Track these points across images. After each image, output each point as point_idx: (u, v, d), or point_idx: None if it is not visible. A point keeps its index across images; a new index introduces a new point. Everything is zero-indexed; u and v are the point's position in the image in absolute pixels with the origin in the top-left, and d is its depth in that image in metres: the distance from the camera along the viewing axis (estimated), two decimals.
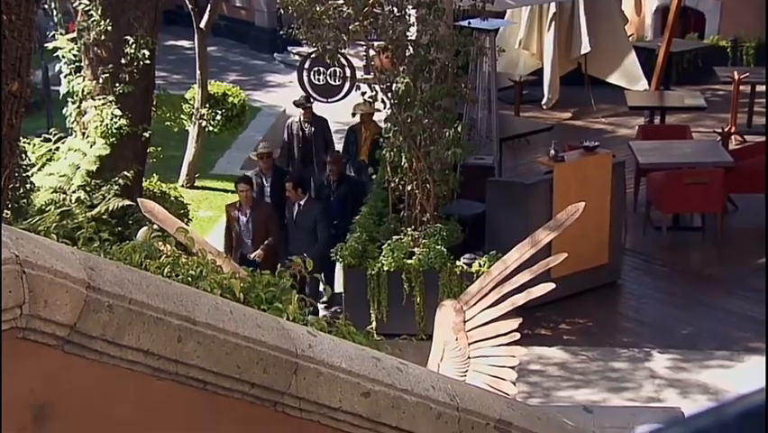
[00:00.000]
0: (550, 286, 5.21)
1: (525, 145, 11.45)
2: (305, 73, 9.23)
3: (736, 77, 11.32)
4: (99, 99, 8.33)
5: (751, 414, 0.35)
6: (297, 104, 9.91)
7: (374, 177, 8.95)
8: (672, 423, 0.38)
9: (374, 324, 7.60)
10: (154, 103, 9.00)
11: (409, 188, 8.15)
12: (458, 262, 7.82)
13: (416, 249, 7.91)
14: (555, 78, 12.20)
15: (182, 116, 10.65)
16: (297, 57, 13.80)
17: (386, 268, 7.83)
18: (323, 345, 2.51)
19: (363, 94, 8.09)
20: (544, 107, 12.51)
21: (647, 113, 11.83)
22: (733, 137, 10.96)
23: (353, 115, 8.31)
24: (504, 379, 4.92)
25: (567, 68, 12.52)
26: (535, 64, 12.58)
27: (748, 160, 9.66)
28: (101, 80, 8.34)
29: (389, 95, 7.89)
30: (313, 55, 8.98)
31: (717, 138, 10.62)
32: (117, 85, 8.32)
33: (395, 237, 8.00)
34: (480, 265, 7.65)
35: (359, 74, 9.11)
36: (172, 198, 9.02)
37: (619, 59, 12.22)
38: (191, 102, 10.72)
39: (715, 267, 9.03)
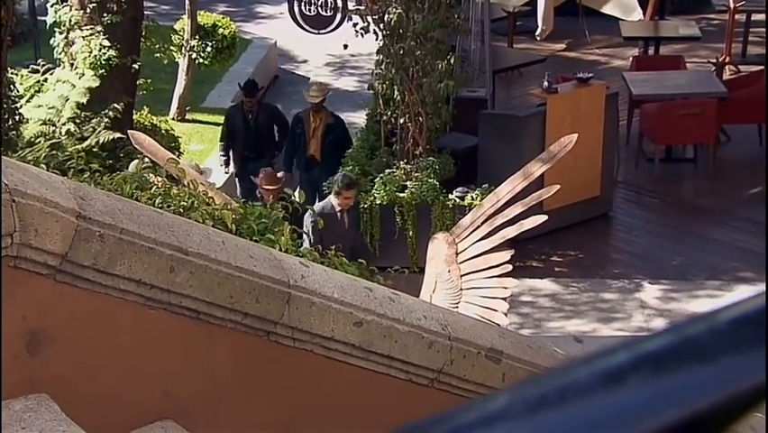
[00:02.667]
0: (542, 218, 5.22)
1: (519, 77, 11.36)
2: (295, 4, 9.08)
3: (732, 5, 11.19)
4: (87, 30, 8.20)
5: (741, 320, 0.34)
6: (243, 88, 8.78)
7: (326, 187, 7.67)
8: (660, 332, 0.38)
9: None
10: (143, 34, 8.86)
11: (402, 121, 8.11)
12: (450, 196, 7.83)
13: (408, 182, 7.90)
14: (549, 9, 12.02)
15: (172, 48, 10.51)
16: None
17: (378, 201, 7.84)
18: (315, 276, 2.53)
19: (355, 25, 7.98)
20: (538, 39, 12.36)
21: (641, 43, 11.72)
22: (727, 67, 10.88)
23: (345, 46, 8.19)
24: (495, 310, 4.96)
25: None
26: None
27: (742, 90, 9.61)
28: (88, 10, 8.19)
29: (381, 26, 7.78)
30: None
31: (711, 68, 10.55)
32: (105, 15, 8.18)
33: (387, 171, 7.98)
34: (473, 198, 7.66)
35: (351, 4, 8.96)
36: (163, 131, 8.95)
37: None
38: (181, 33, 10.56)
39: (706, 198, 9.06)
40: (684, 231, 8.60)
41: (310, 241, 6.48)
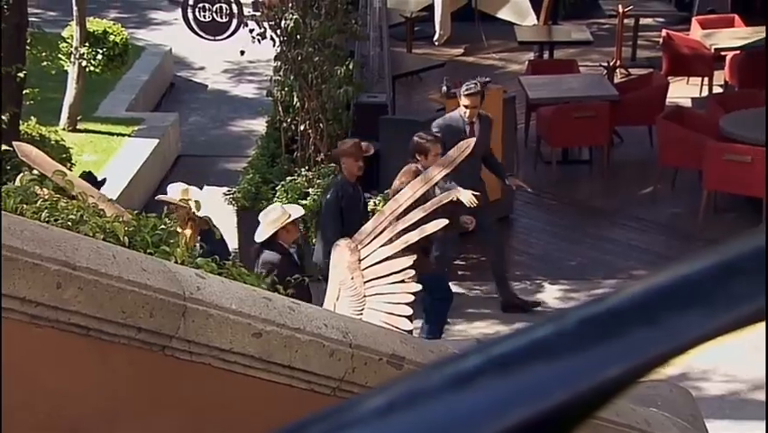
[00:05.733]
0: (443, 222, 5.25)
1: (418, 82, 11.45)
2: (189, 10, 8.92)
3: (621, 10, 11.55)
4: None
5: (587, 320, 0.34)
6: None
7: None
8: (510, 335, 0.37)
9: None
10: (28, 41, 8.55)
11: (302, 127, 8.06)
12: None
13: (310, 189, 7.85)
14: (446, 15, 12.19)
15: (60, 56, 10.18)
16: None
17: None
18: (212, 287, 2.46)
19: (251, 31, 7.90)
20: (436, 44, 12.51)
21: (536, 48, 11.98)
22: (618, 70, 11.23)
23: (242, 53, 8.09)
24: (400, 315, 4.97)
25: (457, 4, 12.52)
26: (426, 0, 12.53)
27: (633, 93, 9.92)
28: None
29: (278, 32, 7.72)
30: None
31: (602, 72, 10.86)
32: None
33: (288, 178, 7.92)
34: (375, 204, 7.66)
35: (246, 11, 8.86)
36: (52, 142, 8.65)
37: None
38: (69, 41, 10.24)
39: (601, 199, 9.31)
40: (581, 231, 8.81)
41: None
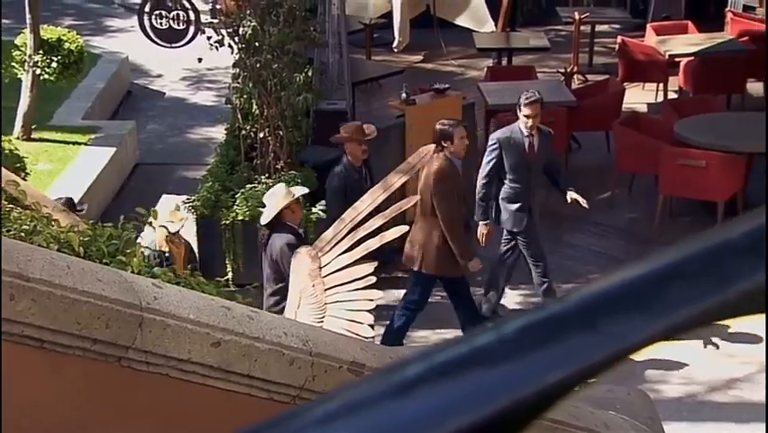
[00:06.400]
0: (403, 229, 5.27)
1: (378, 89, 11.47)
2: (145, 17, 8.84)
3: (577, 17, 11.68)
4: None
5: (527, 327, 0.35)
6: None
7: None
8: (453, 342, 0.37)
9: (230, 274, 7.50)
10: None
11: (261, 135, 8.03)
12: (314, 209, 7.80)
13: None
14: (405, 21, 12.22)
15: (13, 64, 10.02)
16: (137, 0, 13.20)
17: (240, 217, 7.71)
18: (169, 297, 2.44)
19: (209, 38, 7.85)
20: (395, 50, 12.54)
21: (495, 54, 12.07)
22: (575, 77, 11.34)
23: (199, 60, 8.03)
24: (361, 323, 4.96)
25: (416, 10, 12.57)
26: (385, 7, 12.55)
27: (590, 98, 10.03)
28: None
29: (236, 39, 7.69)
30: None
31: (560, 78, 10.97)
32: None
33: (248, 186, 7.87)
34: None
35: (204, 18, 8.81)
36: (6, 151, 8.51)
37: (466, 2, 12.36)
38: (23, 48, 10.09)
39: (560, 204, 9.39)
40: (542, 237, 8.87)
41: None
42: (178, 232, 6.19)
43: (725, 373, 6.29)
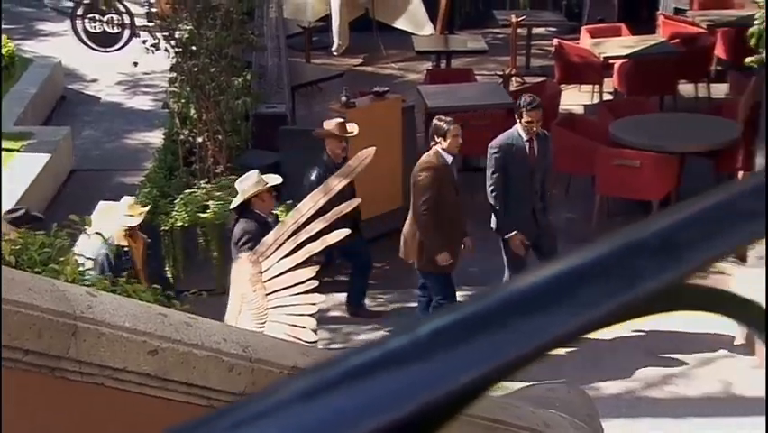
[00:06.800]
0: (345, 232, 5.26)
1: (318, 92, 11.45)
2: (78, 21, 8.67)
3: (514, 20, 11.82)
4: None
5: (439, 330, 0.35)
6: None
7: None
8: (368, 346, 0.38)
9: (171, 281, 7.41)
10: None
11: (200, 139, 7.95)
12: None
13: (210, 202, 7.74)
14: (344, 25, 12.21)
15: None
16: (69, 3, 12.95)
17: (180, 223, 7.62)
18: (104, 305, 2.40)
19: (144, 42, 7.75)
20: (335, 54, 12.52)
21: (434, 57, 12.15)
22: (513, 79, 11.47)
23: (135, 64, 7.92)
24: (304, 327, 4.94)
25: (355, 13, 12.57)
26: (323, 10, 12.53)
27: None
28: None
29: (172, 43, 7.60)
30: (86, 1, 8.46)
31: (498, 80, 11.08)
32: None
33: (187, 191, 7.79)
34: (278, 215, 7.62)
35: (139, 21, 8.68)
36: None
37: (405, 5, 12.41)
38: None
39: None
40: (483, 237, 8.94)
41: None
42: (136, 226, 6.10)
43: (661, 369, 6.41)
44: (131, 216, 6.14)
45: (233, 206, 6.24)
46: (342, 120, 7.10)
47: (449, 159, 6.51)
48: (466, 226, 6.85)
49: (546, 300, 0.39)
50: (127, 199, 6.32)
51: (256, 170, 6.57)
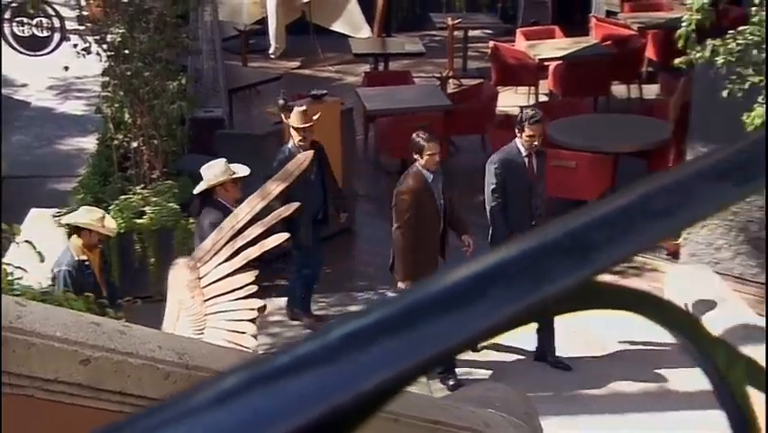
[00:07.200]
0: (283, 236, 5.23)
1: (256, 96, 11.37)
2: (6, 24, 8.47)
3: (450, 22, 11.91)
4: None
5: (351, 332, 0.35)
6: None
7: None
8: (278, 351, 0.38)
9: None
10: None
11: (135, 144, 7.83)
12: (192, 219, 7.66)
13: (146, 208, 7.63)
14: (280, 27, 12.17)
15: None
16: None
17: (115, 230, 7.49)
18: (34, 315, 2.34)
19: (75, 46, 7.60)
20: (272, 57, 12.47)
21: (372, 60, 12.17)
22: (450, 81, 11.55)
23: (66, 68, 7.74)
24: (243, 333, 4.90)
25: (291, 16, 12.54)
26: (259, 12, 12.46)
27: (465, 102, 10.23)
28: None
29: (104, 46, 7.47)
30: (14, 4, 8.26)
31: (436, 82, 11.15)
32: None
33: (122, 197, 7.66)
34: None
35: (70, 24, 8.51)
36: None
37: (342, 7, 12.41)
38: None
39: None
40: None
41: None
42: (97, 240, 5.94)
43: (598, 366, 6.51)
44: (101, 227, 5.95)
45: (195, 191, 6.25)
46: (304, 108, 7.04)
47: (429, 176, 6.32)
48: (447, 241, 6.68)
49: (457, 302, 0.39)
50: (91, 209, 6.14)
51: (223, 159, 6.47)
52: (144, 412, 0.39)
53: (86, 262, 5.82)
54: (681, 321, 0.44)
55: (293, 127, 6.88)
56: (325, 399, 0.35)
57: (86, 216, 5.96)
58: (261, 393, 0.36)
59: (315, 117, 7.07)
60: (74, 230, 5.86)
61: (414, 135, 6.47)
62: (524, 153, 6.27)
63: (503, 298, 0.38)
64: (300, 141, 6.89)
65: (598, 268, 0.40)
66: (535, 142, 6.20)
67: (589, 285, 0.40)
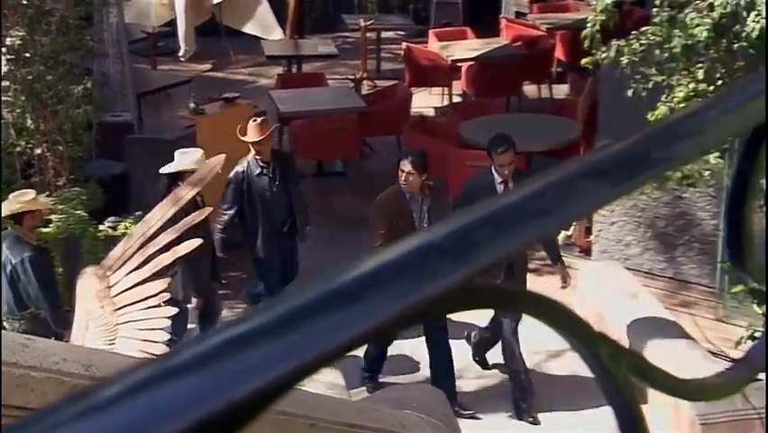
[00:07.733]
0: (197, 242, 5.16)
1: (166, 99, 11.17)
2: None
3: (362, 24, 11.94)
4: None
5: (226, 340, 0.34)
6: None
7: None
8: (150, 360, 0.36)
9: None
10: None
11: (39, 151, 7.60)
12: (101, 226, 7.48)
13: (52, 216, 7.41)
14: (190, 29, 11.97)
15: None
16: None
17: None
18: None
19: None
20: (182, 59, 12.27)
21: (285, 62, 12.10)
22: (365, 82, 11.57)
23: None
24: (156, 342, 4.81)
25: (201, 18, 12.35)
26: (168, 14, 12.24)
27: (380, 104, 10.26)
28: None
29: (3, 49, 7.23)
30: None
31: (350, 84, 11.15)
32: None
33: None
34: (126, 227, 7.37)
35: None
36: None
37: (253, 9, 12.29)
38: None
39: (359, 209, 9.52)
40: (342, 242, 8.95)
41: None
42: (39, 220, 5.84)
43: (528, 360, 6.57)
44: (38, 204, 5.84)
45: (162, 170, 6.29)
46: (258, 122, 6.91)
47: (407, 194, 6.21)
48: None
49: (338, 304, 0.37)
50: (19, 192, 6.00)
51: (201, 151, 6.47)
52: (18, 424, 0.37)
53: (44, 246, 5.78)
54: (564, 318, 0.43)
55: (250, 143, 6.76)
56: (195, 408, 0.33)
57: (20, 199, 5.82)
58: (127, 403, 0.35)
59: (269, 130, 6.97)
60: (14, 218, 5.74)
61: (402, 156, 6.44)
62: (498, 180, 6.12)
63: (384, 298, 0.37)
64: (256, 154, 6.79)
65: (479, 267, 0.39)
66: (506, 171, 6.05)
67: (471, 285, 0.40)
